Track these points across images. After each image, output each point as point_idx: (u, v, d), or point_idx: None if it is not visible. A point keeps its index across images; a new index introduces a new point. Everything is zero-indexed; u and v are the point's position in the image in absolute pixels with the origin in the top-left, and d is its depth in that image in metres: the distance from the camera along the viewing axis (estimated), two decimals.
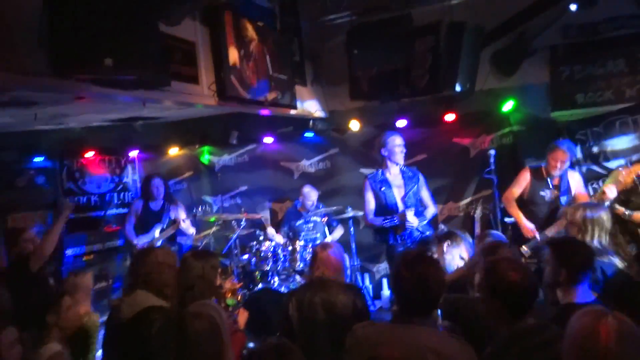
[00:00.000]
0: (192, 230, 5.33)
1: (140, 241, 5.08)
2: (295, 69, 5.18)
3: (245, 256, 5.12)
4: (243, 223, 5.24)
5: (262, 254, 4.95)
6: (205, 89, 3.92)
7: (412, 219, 3.98)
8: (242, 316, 2.83)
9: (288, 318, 2.83)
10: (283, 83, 4.80)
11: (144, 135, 5.88)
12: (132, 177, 6.35)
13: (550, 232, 4.01)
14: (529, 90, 5.13)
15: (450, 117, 5.21)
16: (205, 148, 6.30)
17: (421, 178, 4.32)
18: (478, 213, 4.93)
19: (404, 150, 4.24)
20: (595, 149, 4.80)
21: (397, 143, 4.21)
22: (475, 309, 2.28)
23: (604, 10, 4.83)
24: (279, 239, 5.22)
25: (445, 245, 3.24)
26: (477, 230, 4.80)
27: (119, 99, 3.52)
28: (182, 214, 5.21)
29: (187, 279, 2.63)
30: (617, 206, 3.91)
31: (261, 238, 5.12)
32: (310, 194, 5.29)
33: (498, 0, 5.01)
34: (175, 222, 5.14)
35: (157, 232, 5.13)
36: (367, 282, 5.53)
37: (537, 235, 4.00)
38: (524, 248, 3.99)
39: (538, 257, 3.75)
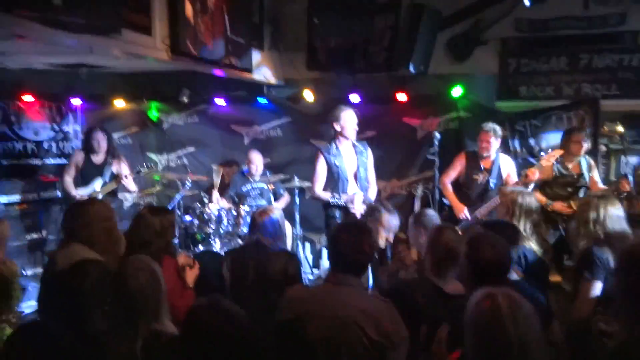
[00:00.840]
0: (134, 187, 5.23)
1: (79, 194, 4.94)
2: (253, 32, 5.11)
3: (188, 217, 5.10)
4: (188, 184, 5.19)
5: (205, 217, 4.94)
6: (158, 41, 3.80)
7: (358, 205, 4.05)
8: (192, 275, 2.86)
9: (221, 276, 2.92)
10: (240, 45, 4.73)
11: (89, 84, 5.61)
12: (73, 126, 6.10)
13: (480, 213, 4.30)
14: (478, 79, 5.34)
15: (402, 96, 5.31)
16: (154, 104, 6.11)
17: (370, 155, 4.44)
18: (419, 192, 5.17)
19: (357, 128, 4.33)
20: (532, 141, 5.11)
21: (351, 118, 4.29)
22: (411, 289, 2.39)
23: (554, 8, 5.09)
24: (224, 203, 5.22)
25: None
26: (417, 208, 5.04)
27: (64, 42, 3.35)
28: (125, 170, 5.10)
29: (142, 235, 2.65)
30: (540, 196, 4.23)
31: (206, 200, 5.10)
32: (255, 159, 5.30)
33: None
34: (117, 177, 5.02)
35: (97, 186, 5.00)
36: (307, 251, 5.67)
37: (468, 216, 4.29)
38: (456, 228, 4.24)
39: None
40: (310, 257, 5.62)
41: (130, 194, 5.42)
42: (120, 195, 5.52)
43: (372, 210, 3.42)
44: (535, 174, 4.03)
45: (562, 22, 5.18)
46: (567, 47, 5.17)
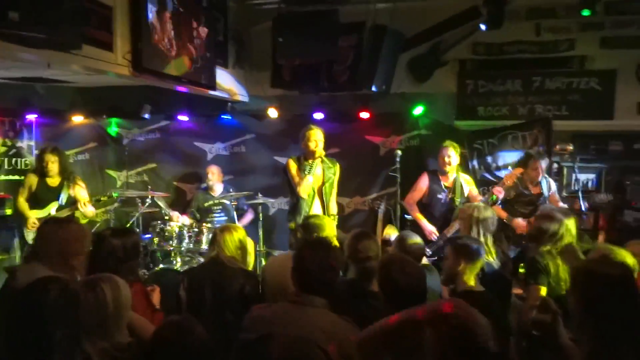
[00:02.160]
0: (92, 214, 5.03)
1: (35, 217, 4.77)
2: (217, 50, 5.15)
3: (148, 235, 5.03)
4: (148, 201, 5.13)
5: (166, 234, 4.88)
6: (120, 57, 3.80)
7: None
8: (156, 295, 2.79)
9: (177, 297, 2.88)
10: (203, 62, 4.75)
11: (46, 99, 5.50)
12: (27, 142, 5.92)
13: (449, 232, 4.43)
14: (438, 98, 5.55)
15: (365, 115, 5.46)
16: (114, 119, 6.04)
17: (338, 171, 4.53)
18: (381, 209, 5.29)
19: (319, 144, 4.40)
20: (489, 159, 5.34)
21: (315, 136, 4.38)
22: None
23: (509, 33, 5.38)
24: (186, 220, 5.18)
25: None
26: (379, 223, 5.16)
27: (22, 57, 3.30)
28: (82, 196, 4.90)
29: (106, 260, 2.53)
30: (501, 211, 4.43)
31: (166, 217, 5.05)
32: (213, 172, 5.32)
33: (418, 10, 5.38)
34: (75, 202, 4.86)
35: (52, 210, 4.83)
36: None
37: (435, 237, 4.41)
38: (426, 249, 4.36)
39: (438, 256, 4.08)
40: None
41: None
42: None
43: None
44: (501, 193, 4.22)
45: (516, 46, 5.48)
46: (521, 70, 5.47)
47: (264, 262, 5.30)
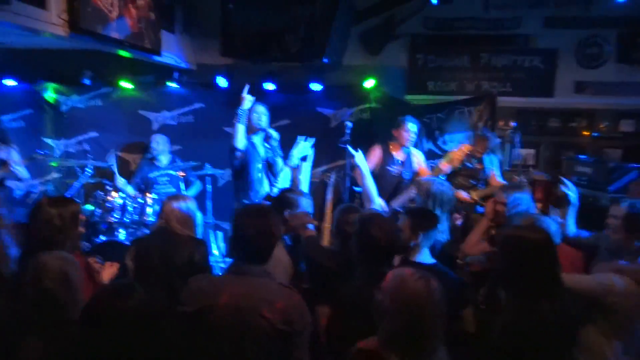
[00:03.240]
0: (25, 175, 4.83)
1: None
2: (163, 13, 4.95)
3: (90, 206, 4.85)
4: (89, 171, 4.93)
5: (108, 205, 4.73)
6: (55, 16, 3.57)
7: None
8: (108, 272, 2.72)
9: (124, 266, 2.82)
10: (148, 25, 4.56)
11: None
12: None
13: (396, 203, 4.53)
14: (389, 72, 5.63)
15: (316, 86, 5.44)
16: (51, 85, 5.72)
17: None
18: (332, 181, 5.33)
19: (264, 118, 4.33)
20: (437, 133, 5.49)
21: (259, 111, 4.32)
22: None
23: (459, 9, 5.49)
24: (130, 190, 5.03)
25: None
26: (329, 196, 5.19)
27: None
28: (14, 156, 4.70)
29: (42, 230, 2.46)
30: None
31: (109, 188, 4.88)
32: (159, 142, 5.19)
33: None
34: (5, 163, 4.61)
35: None
36: (220, 240, 5.63)
37: (386, 207, 4.50)
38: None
39: None
40: (222, 246, 5.59)
41: (21, 182, 5.02)
42: (9, 183, 5.09)
43: None
44: (446, 167, 4.35)
45: (465, 22, 5.61)
46: (470, 46, 5.60)
47: (211, 235, 5.26)
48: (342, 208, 2.89)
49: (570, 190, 3.30)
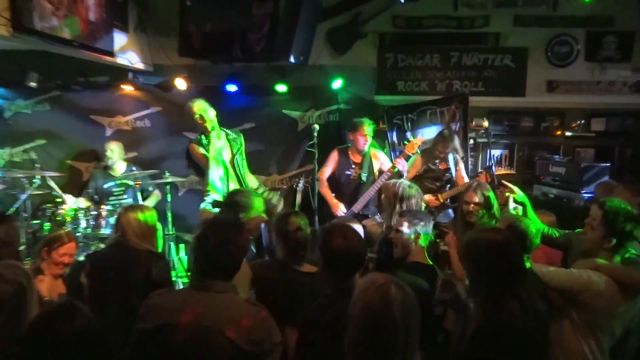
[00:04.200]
0: None
1: None
2: (116, 11, 4.84)
3: (37, 220, 4.69)
4: (37, 182, 4.76)
5: (58, 219, 4.59)
6: None
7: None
8: (43, 286, 2.70)
9: (79, 284, 2.80)
10: (99, 24, 4.45)
11: None
12: None
13: (356, 207, 4.56)
14: (358, 72, 5.65)
15: (282, 87, 5.42)
16: None
17: (243, 142, 4.49)
18: (300, 186, 5.30)
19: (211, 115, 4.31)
20: (408, 134, 5.51)
21: (202, 108, 4.28)
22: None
23: (428, 7, 5.58)
24: (82, 202, 4.89)
25: None
26: (298, 202, 5.17)
27: None
28: None
29: None
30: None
31: (58, 200, 4.73)
32: (113, 149, 5.11)
33: None
34: None
35: None
36: (181, 253, 5.51)
37: (344, 212, 4.53)
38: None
39: None
40: (184, 260, 5.47)
41: None
42: None
43: None
44: (402, 163, 4.37)
45: (435, 20, 5.70)
46: (440, 45, 5.69)
47: (173, 247, 5.14)
48: (282, 214, 2.86)
49: (516, 193, 3.36)
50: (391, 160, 4.88)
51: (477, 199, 3.45)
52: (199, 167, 4.43)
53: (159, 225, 3.16)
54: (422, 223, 2.82)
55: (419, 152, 4.65)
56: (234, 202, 2.95)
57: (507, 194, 3.36)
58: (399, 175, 4.41)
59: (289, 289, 2.45)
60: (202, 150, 4.27)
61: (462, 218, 3.57)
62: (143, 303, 2.03)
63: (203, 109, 4.27)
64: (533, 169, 5.57)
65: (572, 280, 2.42)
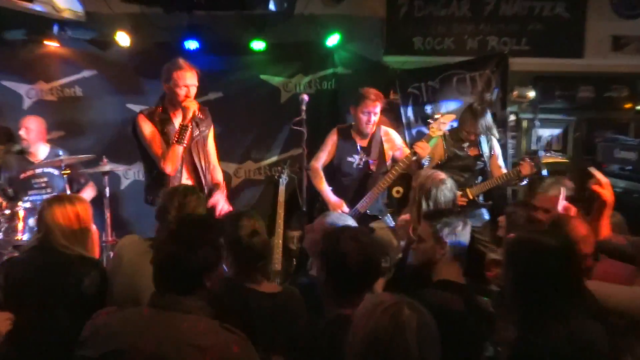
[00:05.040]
0: None
1: None
2: None
3: None
4: None
5: None
6: None
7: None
8: None
9: None
10: None
11: None
12: None
13: (362, 206, 4.48)
14: (361, 24, 5.61)
15: (259, 45, 5.40)
16: None
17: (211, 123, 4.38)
18: (284, 178, 5.25)
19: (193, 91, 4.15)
20: (428, 108, 5.47)
21: (186, 78, 4.12)
22: None
23: None
24: None
25: None
26: (281, 198, 5.13)
27: None
28: None
29: None
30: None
31: None
32: (31, 128, 5.07)
33: None
34: None
35: None
36: None
37: (346, 211, 4.43)
38: None
39: None
40: None
41: None
42: None
43: None
44: (426, 149, 4.29)
45: None
46: None
47: (112, 255, 5.12)
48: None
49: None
50: (408, 145, 4.80)
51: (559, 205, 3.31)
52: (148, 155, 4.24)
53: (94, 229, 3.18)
54: (458, 228, 2.77)
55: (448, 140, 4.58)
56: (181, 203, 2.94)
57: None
58: (418, 164, 4.32)
59: (246, 318, 2.44)
60: (152, 135, 4.04)
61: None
62: (85, 325, 2.08)
63: (192, 82, 4.00)
64: (593, 154, 5.53)
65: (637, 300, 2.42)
